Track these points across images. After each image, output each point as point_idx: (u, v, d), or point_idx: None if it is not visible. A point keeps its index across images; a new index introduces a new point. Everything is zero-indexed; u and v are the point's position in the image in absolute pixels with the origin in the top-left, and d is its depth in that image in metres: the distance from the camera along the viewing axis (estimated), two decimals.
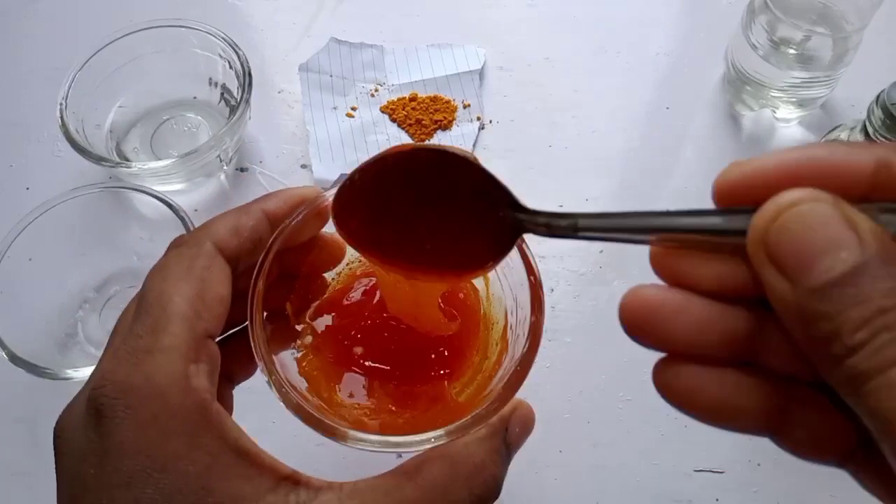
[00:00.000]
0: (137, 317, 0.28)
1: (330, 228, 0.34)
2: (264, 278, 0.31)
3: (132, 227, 0.58)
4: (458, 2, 0.75)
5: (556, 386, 0.54)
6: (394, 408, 0.35)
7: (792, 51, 0.62)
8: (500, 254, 0.28)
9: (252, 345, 0.31)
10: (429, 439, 0.29)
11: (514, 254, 0.32)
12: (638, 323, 0.23)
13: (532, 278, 0.32)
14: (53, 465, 0.27)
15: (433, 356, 0.36)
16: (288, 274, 0.35)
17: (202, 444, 0.26)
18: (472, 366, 0.36)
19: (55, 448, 0.27)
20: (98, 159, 0.56)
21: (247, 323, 0.31)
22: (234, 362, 0.33)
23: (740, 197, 0.22)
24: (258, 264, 0.32)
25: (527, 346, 0.31)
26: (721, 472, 0.51)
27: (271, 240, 0.32)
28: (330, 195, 0.33)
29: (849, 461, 0.22)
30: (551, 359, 0.55)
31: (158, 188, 0.55)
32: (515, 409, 0.32)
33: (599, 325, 0.56)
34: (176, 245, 0.32)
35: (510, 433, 0.31)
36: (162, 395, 0.26)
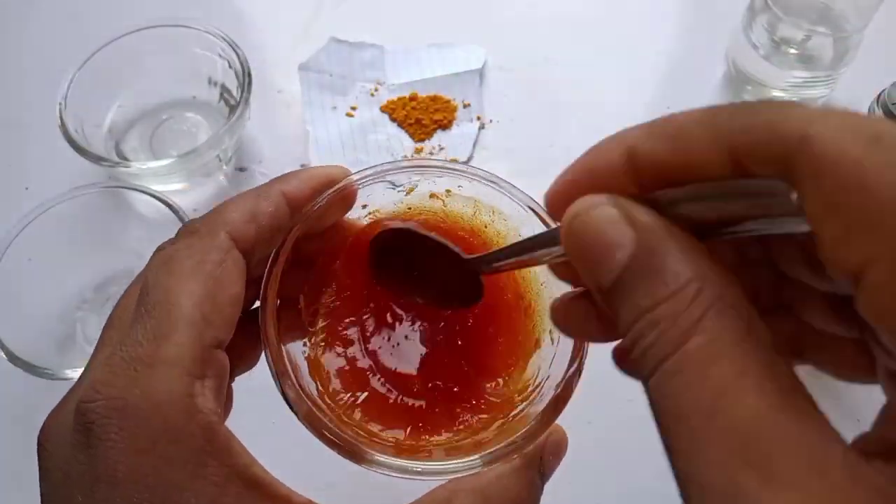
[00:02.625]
0: (138, 318, 0.25)
1: (352, 214, 0.33)
2: (281, 266, 0.29)
3: (131, 226, 0.57)
4: (458, 2, 0.75)
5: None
6: (422, 424, 0.31)
7: (792, 50, 0.62)
8: (476, 290, 0.30)
9: (262, 335, 0.28)
10: (460, 468, 0.26)
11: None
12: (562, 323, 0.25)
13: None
14: None
15: (468, 368, 0.33)
16: (303, 261, 0.32)
17: (207, 473, 0.23)
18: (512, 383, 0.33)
19: (39, 460, 0.25)
20: (97, 159, 0.56)
21: (252, 310, 0.29)
22: (235, 352, 0.29)
23: (563, 208, 0.22)
24: (275, 251, 0.29)
25: (573, 367, 0.29)
26: None
27: (291, 225, 0.30)
28: (357, 178, 0.32)
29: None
30: None
31: (158, 188, 0.55)
32: (549, 434, 0.29)
33: None
34: (187, 233, 0.28)
35: (544, 462, 0.29)
36: (162, 415, 0.23)
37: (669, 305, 0.18)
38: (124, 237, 0.58)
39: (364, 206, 0.34)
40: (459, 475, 0.26)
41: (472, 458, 0.27)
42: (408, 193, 0.35)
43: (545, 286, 0.33)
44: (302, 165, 0.65)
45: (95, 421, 0.23)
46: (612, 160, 0.21)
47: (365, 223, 0.34)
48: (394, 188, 0.34)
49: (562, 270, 0.25)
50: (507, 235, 0.35)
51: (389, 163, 0.33)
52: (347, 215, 0.33)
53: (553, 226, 0.32)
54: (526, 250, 0.26)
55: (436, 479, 0.27)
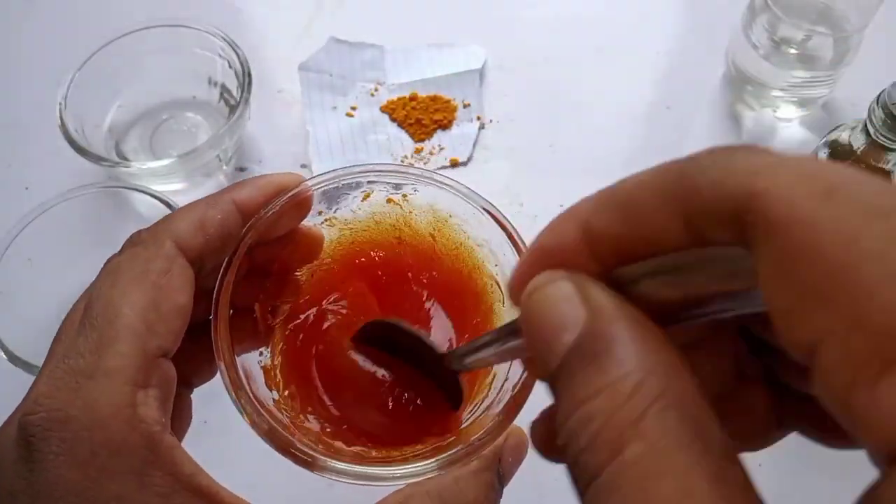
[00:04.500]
0: (81, 329, 0.25)
1: (308, 221, 0.32)
2: (233, 274, 0.28)
3: (131, 227, 0.57)
4: (458, 2, 0.75)
5: None
6: (377, 432, 0.31)
7: (793, 50, 0.62)
8: (456, 392, 0.30)
9: (215, 348, 0.28)
10: (417, 472, 0.26)
11: (515, 263, 0.31)
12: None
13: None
14: None
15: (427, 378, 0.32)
16: (258, 270, 0.31)
17: (151, 483, 0.23)
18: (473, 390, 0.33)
19: None
20: (97, 159, 0.56)
21: (207, 320, 0.28)
22: (192, 363, 0.29)
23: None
24: (226, 260, 0.29)
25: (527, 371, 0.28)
26: None
27: (243, 232, 0.29)
28: (313, 184, 0.31)
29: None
30: None
31: (158, 188, 0.55)
32: (508, 436, 0.28)
33: None
34: (132, 244, 0.28)
35: (503, 464, 0.28)
36: (104, 427, 0.23)
37: (605, 398, 0.16)
38: (124, 237, 0.57)
39: (320, 213, 0.34)
40: (417, 479, 0.26)
41: (428, 462, 0.26)
42: (364, 199, 0.35)
43: (505, 288, 0.33)
44: (302, 166, 0.65)
45: (36, 434, 0.23)
46: (568, 238, 0.19)
47: (317, 230, 0.34)
48: (349, 194, 0.34)
49: (530, 364, 0.23)
50: (465, 240, 0.35)
51: (344, 168, 0.32)
52: (303, 222, 0.32)
53: (512, 232, 0.32)
54: (496, 340, 0.24)
55: (392, 483, 0.26)
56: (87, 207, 0.55)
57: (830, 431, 0.21)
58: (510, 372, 0.30)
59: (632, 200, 0.18)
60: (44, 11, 0.75)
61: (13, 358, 0.48)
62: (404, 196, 0.35)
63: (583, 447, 0.16)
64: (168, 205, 0.53)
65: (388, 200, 0.35)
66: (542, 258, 0.20)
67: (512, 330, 0.23)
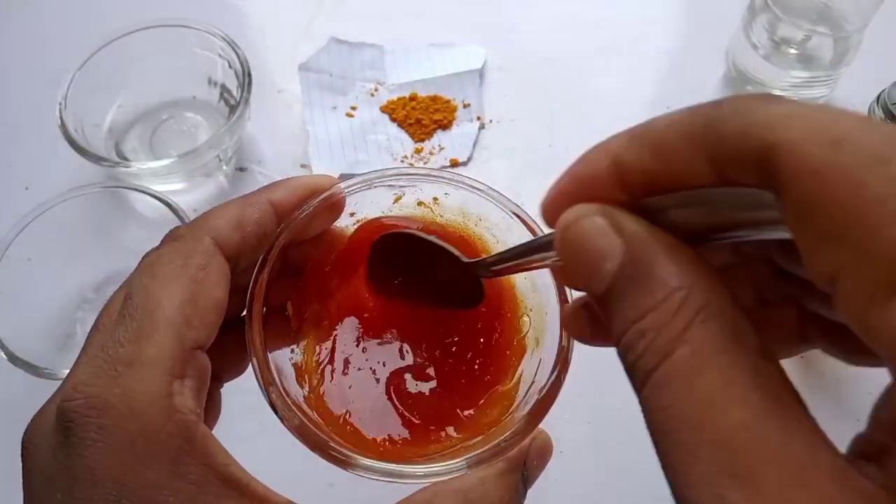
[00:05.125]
0: (121, 320, 0.25)
1: (341, 222, 0.33)
2: (267, 273, 0.29)
3: (131, 226, 0.57)
4: (458, 2, 0.75)
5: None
6: (409, 431, 0.31)
7: (792, 50, 0.62)
8: (477, 293, 0.31)
9: (248, 344, 0.28)
10: (444, 471, 0.27)
11: (547, 279, 0.31)
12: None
13: (563, 297, 0.30)
14: None
15: (461, 379, 0.32)
16: (291, 269, 0.32)
17: (185, 472, 0.23)
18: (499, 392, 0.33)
19: (22, 461, 0.25)
20: (97, 159, 0.56)
21: (239, 316, 0.29)
22: (224, 359, 0.30)
23: (557, 217, 0.22)
24: (261, 258, 0.30)
25: (555, 373, 0.29)
26: None
27: (278, 232, 0.30)
28: (346, 185, 0.32)
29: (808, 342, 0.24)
30: None
31: (158, 188, 0.55)
32: (533, 439, 0.29)
33: None
34: (172, 238, 0.29)
35: (528, 467, 0.29)
36: (141, 415, 0.23)
37: (656, 315, 0.18)
38: (124, 237, 0.58)
39: (352, 215, 0.34)
40: (443, 478, 0.27)
41: (455, 461, 0.27)
42: (395, 202, 0.35)
43: (532, 292, 0.33)
44: (302, 166, 0.65)
45: (75, 420, 0.23)
46: (600, 169, 0.21)
47: (352, 230, 0.34)
48: (385, 193, 0.34)
49: (562, 275, 0.25)
50: (494, 242, 0.35)
51: (377, 171, 0.33)
52: (335, 224, 0.33)
53: (542, 233, 0.32)
54: (525, 254, 0.26)
55: (420, 482, 0.27)
56: (87, 207, 0.55)
57: (849, 348, 0.22)
58: (537, 375, 0.30)
59: (662, 140, 0.19)
60: (44, 11, 0.75)
61: (13, 358, 0.48)
62: (435, 199, 0.35)
63: (639, 355, 0.18)
64: (168, 205, 0.53)
65: (419, 203, 0.35)
66: (574, 185, 0.22)
67: (544, 243, 0.24)
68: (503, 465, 0.28)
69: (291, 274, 0.32)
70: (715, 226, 0.19)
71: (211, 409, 0.30)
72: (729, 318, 0.18)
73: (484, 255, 0.32)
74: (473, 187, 0.33)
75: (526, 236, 0.33)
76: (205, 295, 0.26)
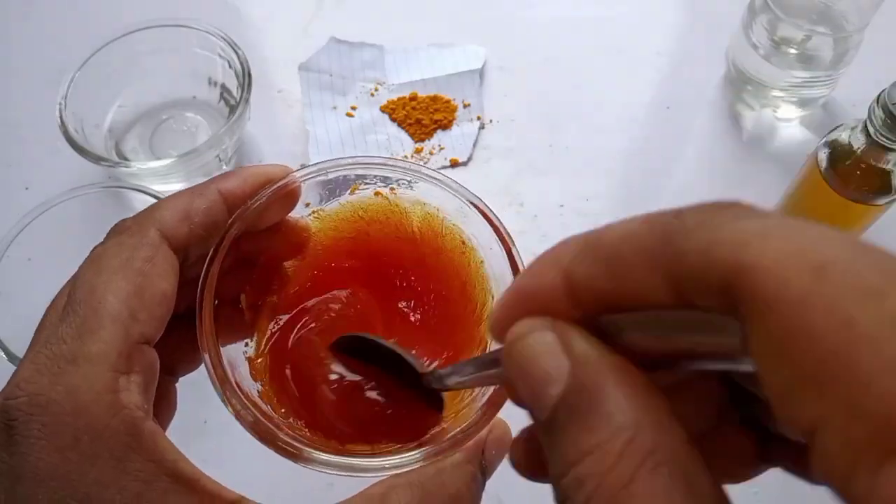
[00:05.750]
0: (65, 316, 0.25)
1: (296, 213, 0.32)
2: (218, 265, 0.28)
3: None
4: (458, 2, 0.75)
5: None
6: (363, 423, 0.31)
7: (793, 50, 0.62)
8: (437, 403, 0.30)
9: (199, 339, 0.28)
10: (401, 463, 0.26)
11: (503, 260, 0.31)
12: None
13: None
14: None
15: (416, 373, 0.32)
16: (245, 261, 0.31)
17: (132, 468, 0.23)
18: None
19: None
20: (97, 159, 0.56)
21: (192, 309, 0.28)
22: (178, 353, 0.30)
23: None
24: (212, 249, 0.29)
25: None
26: None
27: (228, 223, 0.29)
28: (300, 175, 0.31)
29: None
30: None
31: (158, 188, 0.55)
32: (491, 428, 0.28)
33: None
34: (117, 231, 0.28)
35: (486, 457, 0.28)
36: (85, 411, 0.23)
37: (596, 459, 0.16)
38: None
39: (307, 205, 0.33)
40: (400, 470, 0.26)
41: (412, 453, 0.26)
42: (352, 192, 0.34)
43: (492, 279, 0.33)
44: (302, 165, 0.65)
45: (18, 418, 0.23)
46: (550, 281, 0.19)
47: (308, 221, 0.34)
48: (335, 188, 0.34)
49: (510, 394, 0.23)
50: (453, 235, 0.34)
51: (330, 160, 0.32)
52: (291, 214, 0.32)
53: (495, 275, 0.32)
54: (478, 369, 0.24)
55: (376, 475, 0.26)
56: (87, 207, 0.55)
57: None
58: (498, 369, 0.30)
59: (615, 255, 0.17)
60: (44, 11, 0.75)
61: (13, 358, 0.48)
62: (392, 189, 0.34)
63: None
64: None
65: (376, 193, 0.35)
66: (522, 300, 0.20)
67: (494, 359, 0.22)
68: (460, 456, 0.27)
69: (245, 265, 0.31)
70: (674, 352, 0.17)
71: (166, 404, 0.30)
72: (681, 465, 0.16)
73: (433, 362, 0.31)
74: (430, 177, 0.33)
75: (482, 224, 0.32)
76: (151, 287, 0.26)
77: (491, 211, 0.32)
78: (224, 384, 0.27)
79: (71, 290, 0.26)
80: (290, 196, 0.31)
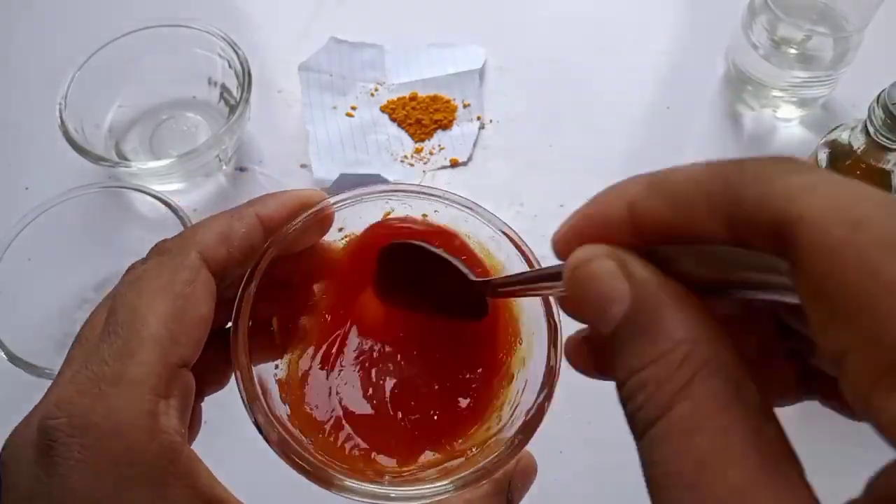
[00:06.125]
0: (105, 337, 0.25)
1: (329, 237, 0.33)
2: (254, 287, 0.29)
3: (131, 226, 0.57)
4: (458, 2, 0.75)
5: (557, 386, 0.54)
6: (393, 450, 0.31)
7: (792, 50, 0.62)
8: (481, 308, 0.31)
9: (233, 359, 0.28)
10: (431, 493, 0.26)
11: (535, 300, 0.31)
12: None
13: (551, 321, 0.30)
14: None
15: (449, 400, 0.32)
16: (277, 283, 0.31)
17: (169, 494, 0.23)
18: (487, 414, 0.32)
19: (2, 478, 0.24)
20: (97, 159, 0.56)
21: (222, 329, 0.28)
22: (206, 372, 0.29)
23: (568, 252, 0.22)
24: (248, 273, 0.29)
25: (542, 395, 0.29)
26: None
27: (265, 247, 0.30)
28: (335, 200, 0.32)
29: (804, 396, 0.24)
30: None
31: (158, 188, 0.55)
32: (519, 460, 0.29)
33: None
34: (158, 252, 0.28)
35: (513, 489, 0.29)
36: (124, 435, 0.23)
37: (658, 367, 0.18)
38: (124, 237, 0.58)
39: (340, 230, 0.34)
40: (429, 500, 0.26)
41: (442, 483, 0.27)
42: (384, 217, 0.35)
43: (524, 315, 0.33)
44: (302, 166, 0.65)
45: (58, 440, 0.23)
46: (614, 212, 0.21)
47: (341, 244, 0.34)
48: (375, 208, 0.34)
49: (569, 307, 0.25)
50: (483, 261, 0.35)
51: (368, 188, 0.33)
52: (323, 238, 0.33)
53: (530, 253, 0.33)
54: (533, 280, 0.26)
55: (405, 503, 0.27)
56: (87, 207, 0.55)
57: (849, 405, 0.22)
58: (523, 396, 0.30)
59: (680, 193, 0.19)
60: (44, 11, 0.75)
61: (13, 358, 0.48)
62: (424, 216, 0.35)
63: (639, 406, 0.18)
64: (168, 205, 0.53)
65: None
66: (587, 224, 0.22)
67: (553, 273, 0.24)
68: (489, 486, 0.28)
69: (277, 288, 0.31)
70: (725, 282, 0.19)
71: (192, 423, 0.30)
72: (732, 374, 0.18)
73: (492, 275, 0.32)
74: (463, 205, 0.33)
75: (513, 253, 0.33)
76: (191, 311, 0.26)
77: (521, 240, 0.32)
78: (254, 404, 0.28)
79: (111, 309, 0.26)
80: (324, 221, 0.31)
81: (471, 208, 0.33)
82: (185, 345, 0.25)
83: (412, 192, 0.34)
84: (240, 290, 0.29)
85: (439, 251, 0.31)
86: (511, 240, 0.33)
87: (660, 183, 0.20)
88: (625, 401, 0.19)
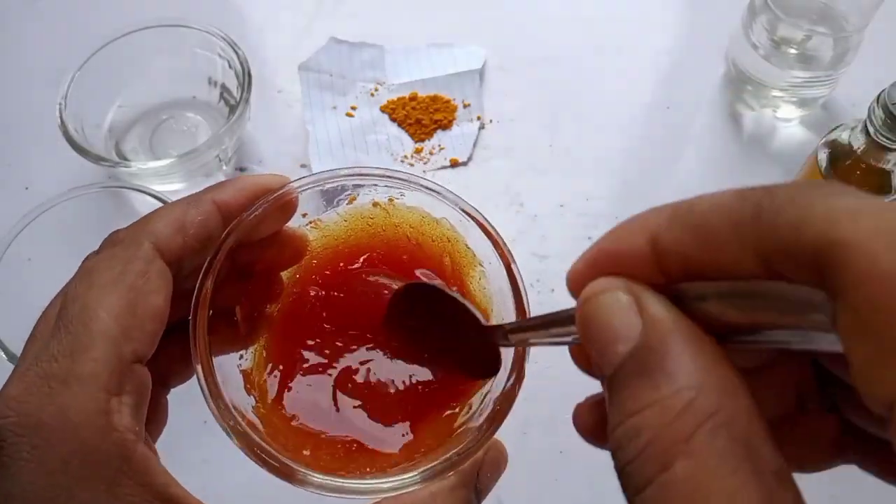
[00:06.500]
0: (56, 332, 0.24)
1: (293, 223, 0.32)
2: (212, 278, 0.28)
3: None
4: (458, 2, 0.75)
5: (557, 387, 0.54)
6: (361, 441, 0.30)
7: (792, 50, 0.62)
8: (495, 362, 0.29)
9: (192, 353, 0.27)
10: (397, 486, 0.26)
11: (502, 273, 0.30)
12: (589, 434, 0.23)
13: (518, 298, 0.29)
14: None
15: (419, 387, 0.31)
16: (239, 271, 0.30)
17: (122, 493, 0.22)
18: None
19: None
20: (97, 159, 0.56)
21: (185, 320, 0.28)
22: (171, 364, 0.29)
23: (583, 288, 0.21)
24: (207, 262, 0.28)
25: (511, 381, 0.28)
26: None
27: (224, 235, 0.28)
28: (297, 186, 0.31)
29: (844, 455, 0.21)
30: (552, 360, 0.54)
31: (158, 188, 0.55)
32: (488, 450, 0.28)
33: None
34: (110, 243, 0.27)
35: (481, 479, 0.28)
36: (76, 434, 0.22)
37: (654, 412, 0.16)
38: None
39: (304, 215, 0.33)
40: (396, 493, 0.26)
41: (409, 475, 0.26)
42: (349, 202, 0.34)
43: (492, 297, 0.33)
44: (302, 166, 0.65)
45: (7, 439, 0.22)
46: (636, 245, 0.19)
47: (305, 231, 0.33)
48: (333, 198, 0.33)
49: (579, 356, 0.23)
50: (454, 246, 0.34)
51: (329, 171, 0.32)
52: (287, 224, 0.32)
53: (501, 240, 0.32)
54: (546, 326, 0.25)
55: (371, 497, 0.26)
56: (87, 207, 0.55)
57: (890, 467, 0.20)
58: (493, 383, 0.29)
59: (706, 225, 0.18)
60: (44, 11, 0.75)
61: (13, 358, 0.48)
62: (391, 199, 0.34)
63: (630, 459, 0.16)
64: None
65: (374, 204, 0.34)
66: (605, 259, 0.20)
67: (567, 317, 0.22)
68: (455, 478, 0.27)
69: (240, 276, 0.30)
70: (754, 324, 0.18)
71: (157, 416, 0.29)
72: (742, 430, 0.16)
73: (502, 321, 0.31)
74: (428, 188, 0.32)
75: (480, 237, 0.32)
76: (144, 304, 0.25)
77: (489, 222, 0.32)
78: (216, 400, 0.27)
79: (62, 304, 0.25)
80: (287, 207, 0.30)
81: (437, 191, 0.33)
82: (139, 340, 0.25)
83: (375, 174, 0.33)
84: (198, 281, 0.28)
85: (453, 294, 0.30)
86: (477, 222, 0.32)
87: (684, 213, 0.18)
88: (615, 450, 0.17)
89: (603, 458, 0.59)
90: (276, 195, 0.30)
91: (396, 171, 0.33)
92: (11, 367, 0.48)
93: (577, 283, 0.21)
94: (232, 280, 0.29)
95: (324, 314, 0.33)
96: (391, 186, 0.33)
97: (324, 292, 0.33)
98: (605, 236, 0.21)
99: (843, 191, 0.16)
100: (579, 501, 0.51)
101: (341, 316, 0.33)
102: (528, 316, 0.30)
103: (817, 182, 0.17)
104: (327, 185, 0.32)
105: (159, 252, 0.27)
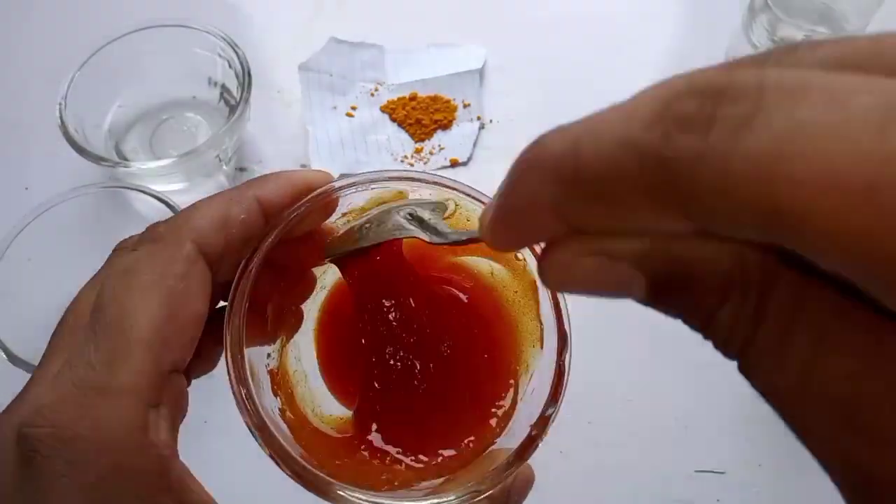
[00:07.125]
0: (91, 336, 0.23)
1: (330, 220, 0.31)
2: (251, 278, 0.27)
3: (131, 227, 0.57)
4: (458, 2, 0.75)
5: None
6: (396, 454, 0.29)
7: None
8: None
9: (226, 355, 0.26)
10: None
11: (546, 309, 0.29)
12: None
13: (561, 328, 0.28)
14: None
15: (449, 400, 0.30)
16: (273, 266, 0.29)
17: None
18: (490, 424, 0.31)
19: None
20: (97, 159, 0.56)
21: (216, 310, 0.27)
22: (195, 355, 0.28)
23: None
24: (244, 261, 0.27)
25: (553, 409, 0.27)
26: (722, 473, 0.51)
27: (265, 233, 0.27)
28: (339, 186, 0.29)
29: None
30: None
31: (158, 188, 0.55)
32: (517, 473, 0.27)
33: (601, 325, 0.56)
34: (150, 239, 0.26)
35: (510, 501, 0.27)
36: (113, 450, 0.22)
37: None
38: (124, 237, 0.58)
39: (343, 215, 0.32)
40: None
41: (444, 497, 0.26)
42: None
43: (531, 321, 0.32)
44: (302, 166, 0.65)
45: (40, 451, 0.21)
46: (549, 223, 0.16)
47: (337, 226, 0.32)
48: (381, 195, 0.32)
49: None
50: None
51: (375, 171, 0.31)
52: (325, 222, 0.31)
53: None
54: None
55: None
56: (87, 207, 0.55)
57: None
58: (527, 400, 0.29)
59: (609, 193, 0.14)
60: (44, 11, 0.75)
61: (13, 358, 0.48)
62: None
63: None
64: (168, 205, 0.53)
65: None
66: (517, 219, 0.18)
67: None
68: (486, 501, 0.26)
69: (272, 273, 0.29)
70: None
71: (179, 405, 0.28)
72: None
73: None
74: (472, 197, 0.31)
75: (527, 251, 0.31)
76: (184, 310, 0.24)
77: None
78: (245, 405, 0.26)
79: (98, 303, 0.24)
80: (328, 207, 0.29)
81: (476, 198, 0.31)
82: (177, 348, 0.24)
83: (424, 180, 0.32)
84: (234, 282, 0.27)
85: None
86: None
87: (572, 181, 0.14)
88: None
89: (603, 458, 0.60)
90: (318, 195, 0.28)
91: (442, 177, 0.31)
92: (11, 367, 0.48)
93: (496, 243, 0.18)
94: (266, 276, 0.29)
95: (357, 320, 0.31)
96: (436, 190, 0.32)
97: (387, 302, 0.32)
98: (506, 192, 0.18)
99: (781, 79, 0.12)
100: (580, 501, 0.51)
101: (376, 324, 0.32)
102: (566, 360, 0.29)
103: (721, 76, 0.11)
104: (372, 187, 0.31)
105: (201, 251, 0.25)
